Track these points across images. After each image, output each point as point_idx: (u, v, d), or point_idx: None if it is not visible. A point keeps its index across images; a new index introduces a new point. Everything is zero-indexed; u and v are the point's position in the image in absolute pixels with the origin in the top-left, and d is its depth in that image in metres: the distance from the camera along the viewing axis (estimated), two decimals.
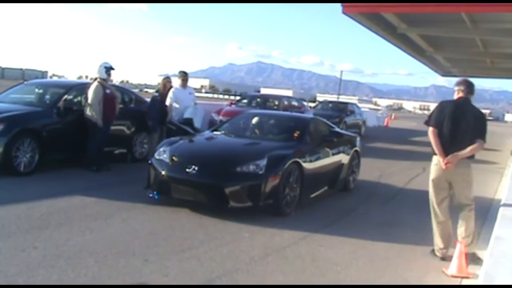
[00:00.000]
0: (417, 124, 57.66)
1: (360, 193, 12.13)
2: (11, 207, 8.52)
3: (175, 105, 13.99)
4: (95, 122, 12.25)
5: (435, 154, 7.96)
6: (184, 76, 14.52)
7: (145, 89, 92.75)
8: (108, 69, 12.77)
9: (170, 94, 14.03)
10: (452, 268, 6.84)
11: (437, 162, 7.92)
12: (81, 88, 13.24)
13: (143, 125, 14.20)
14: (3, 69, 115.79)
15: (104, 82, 12.64)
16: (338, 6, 20.07)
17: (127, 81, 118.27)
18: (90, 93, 12.34)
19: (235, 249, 7.33)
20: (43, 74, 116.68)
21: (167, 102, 13.94)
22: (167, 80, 14.70)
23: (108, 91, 12.65)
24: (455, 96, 7.89)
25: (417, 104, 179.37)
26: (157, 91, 14.51)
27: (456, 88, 7.93)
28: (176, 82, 14.65)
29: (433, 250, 7.90)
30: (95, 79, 12.72)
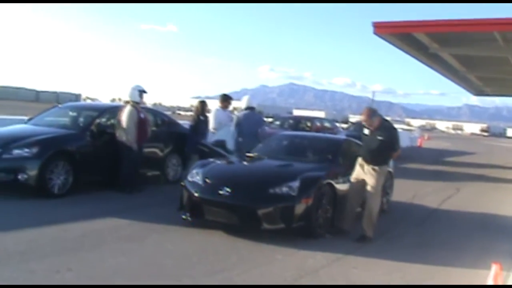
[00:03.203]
0: (450, 145, 57.22)
1: (394, 214, 12.00)
2: (46, 229, 8.59)
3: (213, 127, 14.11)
4: (129, 145, 12.33)
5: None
6: (227, 99, 14.63)
7: (178, 111, 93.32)
8: (141, 92, 12.86)
9: (212, 116, 14.11)
10: None
11: None
12: (114, 111, 13.35)
13: (175, 147, 14.28)
14: (38, 92, 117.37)
15: (137, 106, 12.73)
16: (369, 26, 20.07)
17: (160, 104, 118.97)
18: (125, 117, 12.39)
19: (268, 272, 7.30)
20: (77, 97, 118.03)
21: (212, 125, 14.02)
22: (204, 103, 14.76)
23: (142, 115, 12.75)
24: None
25: (450, 124, 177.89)
26: (201, 115, 14.40)
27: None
28: (215, 105, 14.73)
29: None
30: (127, 102, 12.80)
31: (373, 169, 9.51)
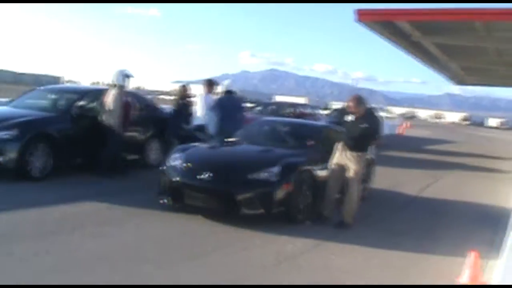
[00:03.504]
0: (431, 133, 57.50)
1: (373, 201, 12.04)
2: (25, 212, 8.56)
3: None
4: (114, 129, 12.30)
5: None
6: (211, 83, 14.54)
7: (159, 96, 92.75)
8: (126, 76, 12.79)
9: (200, 102, 14.03)
10: (465, 277, 6.79)
11: None
12: (95, 94, 13.32)
13: (156, 131, 14.24)
14: (18, 74, 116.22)
15: (121, 89, 12.67)
16: (351, 13, 20.08)
17: (142, 88, 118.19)
18: (110, 100, 12.35)
19: (247, 257, 7.33)
20: (58, 79, 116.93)
21: (200, 111, 13.93)
22: (186, 87, 14.69)
23: (127, 98, 12.75)
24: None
25: (431, 112, 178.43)
26: (181, 98, 14.31)
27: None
28: (196, 89, 14.61)
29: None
30: (114, 85, 12.71)
31: (356, 155, 9.59)
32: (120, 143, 12.55)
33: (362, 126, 9.48)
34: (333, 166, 9.82)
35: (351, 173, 9.60)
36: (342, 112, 10.28)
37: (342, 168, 9.69)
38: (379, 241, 8.70)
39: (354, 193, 9.60)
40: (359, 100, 9.63)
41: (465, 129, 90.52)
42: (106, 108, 12.39)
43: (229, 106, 13.14)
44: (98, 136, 12.34)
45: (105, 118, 12.38)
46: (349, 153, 9.61)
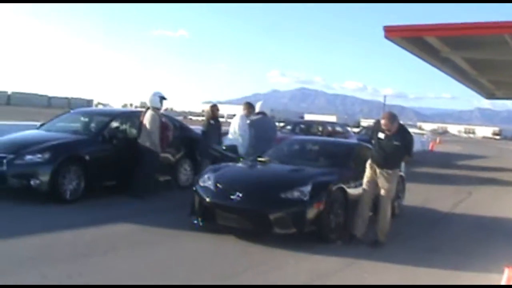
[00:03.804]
0: (462, 148, 56.99)
1: (405, 218, 11.91)
2: (58, 234, 8.61)
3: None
4: (152, 149, 12.44)
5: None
6: (250, 106, 14.65)
7: (190, 117, 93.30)
8: (161, 98, 13.01)
9: (238, 121, 14.10)
10: None
11: None
12: (126, 116, 13.53)
13: (187, 152, 14.28)
14: (50, 98, 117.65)
15: (157, 111, 12.85)
16: (380, 30, 20.03)
17: (171, 109, 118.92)
18: (148, 121, 12.50)
19: (280, 276, 7.29)
20: (89, 102, 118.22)
21: (236, 129, 14.01)
22: (215, 108, 14.76)
23: (163, 119, 12.96)
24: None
25: (461, 128, 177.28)
26: (212, 119, 14.41)
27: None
28: (226, 110, 14.69)
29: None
30: (147, 108, 12.87)
31: (387, 173, 9.49)
32: (155, 163, 12.69)
33: (395, 144, 9.36)
34: (364, 185, 9.70)
35: (383, 191, 9.51)
36: (374, 129, 10.09)
37: (374, 187, 9.59)
38: (412, 259, 8.58)
39: (388, 211, 9.54)
40: (392, 117, 9.49)
41: (497, 144, 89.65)
42: (144, 129, 12.53)
43: (261, 127, 13.17)
44: (130, 158, 12.45)
45: (143, 140, 12.52)
46: (379, 171, 9.51)
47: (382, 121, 9.46)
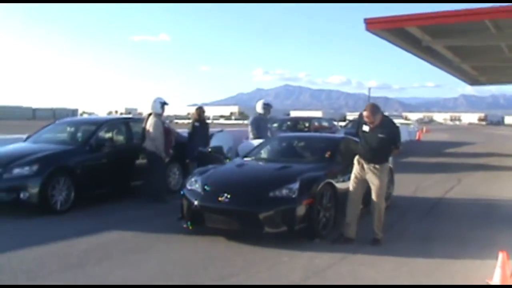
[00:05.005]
0: (449, 136, 57.20)
1: (397, 209, 11.95)
2: (51, 246, 8.61)
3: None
4: (159, 155, 12.63)
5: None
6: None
7: (175, 120, 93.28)
8: (163, 104, 13.18)
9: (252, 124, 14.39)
10: (496, 278, 6.73)
11: None
12: (112, 123, 13.60)
13: (175, 155, 14.17)
14: (34, 109, 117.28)
15: (159, 117, 13.07)
16: (361, 23, 20.11)
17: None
18: (151, 127, 12.71)
19: (275, 274, 7.31)
20: (74, 112, 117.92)
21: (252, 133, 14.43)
22: (201, 110, 14.95)
23: (166, 125, 13.27)
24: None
25: (447, 115, 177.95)
26: (196, 121, 14.63)
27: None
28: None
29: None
30: (149, 114, 13.08)
31: (375, 168, 9.15)
32: (164, 168, 13.02)
33: (380, 136, 9.05)
34: (352, 183, 9.42)
35: (374, 188, 9.17)
36: (358, 122, 9.82)
37: (362, 184, 9.32)
38: (407, 249, 8.63)
39: (381, 209, 9.23)
40: (374, 108, 9.16)
41: (483, 129, 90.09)
42: (148, 135, 12.73)
43: (262, 125, 13.57)
44: (120, 165, 12.68)
45: (147, 146, 12.73)
46: (367, 167, 9.22)
47: (364, 113, 9.18)
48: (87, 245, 8.70)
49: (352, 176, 9.43)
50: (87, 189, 11.90)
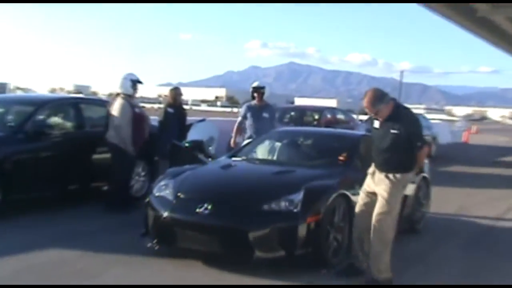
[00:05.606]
0: (507, 139, 57.14)
1: (432, 234, 11.97)
2: None
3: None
4: (123, 148, 12.54)
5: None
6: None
7: (142, 104, 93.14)
8: (135, 82, 13.10)
9: (244, 112, 14.38)
10: None
11: None
12: (57, 104, 13.56)
13: (140, 151, 13.72)
14: None
15: (130, 99, 12.96)
16: None
17: (112, 94, 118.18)
18: (116, 112, 12.61)
19: None
20: (3, 87, 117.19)
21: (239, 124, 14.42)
22: (177, 91, 14.84)
23: (137, 109, 13.05)
24: None
25: (506, 112, 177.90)
26: (169, 106, 14.54)
27: None
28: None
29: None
30: (116, 94, 13.05)
31: (387, 177, 8.49)
32: (128, 166, 12.89)
33: (393, 132, 8.40)
34: (360, 197, 9.01)
35: (379, 205, 8.47)
36: (370, 116, 9.11)
37: (371, 198, 8.76)
38: None
39: (386, 238, 8.44)
40: (376, 95, 8.56)
41: None
42: (112, 123, 12.66)
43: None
44: (68, 160, 12.60)
45: (109, 137, 12.65)
46: (378, 176, 8.67)
47: (363, 103, 8.71)
48: (16, 266, 8.63)
49: (361, 192, 9.07)
50: (19, 190, 11.78)
